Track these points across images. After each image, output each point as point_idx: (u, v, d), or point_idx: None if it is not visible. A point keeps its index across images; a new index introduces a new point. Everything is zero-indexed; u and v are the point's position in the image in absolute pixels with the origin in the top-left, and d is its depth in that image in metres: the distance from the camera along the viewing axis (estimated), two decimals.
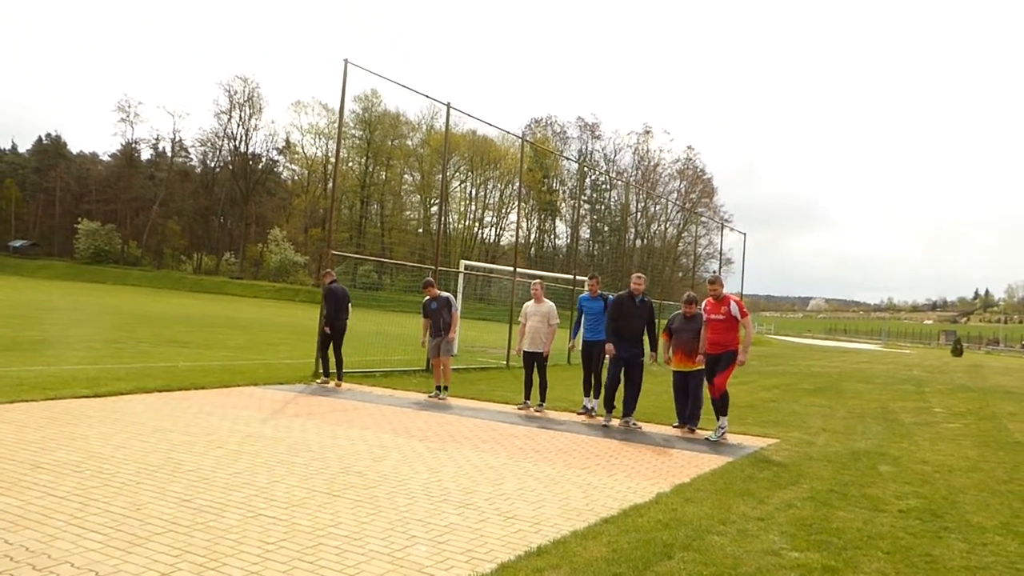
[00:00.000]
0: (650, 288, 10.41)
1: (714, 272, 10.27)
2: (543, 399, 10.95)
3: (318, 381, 12.40)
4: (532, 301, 11.00)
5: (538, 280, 11.14)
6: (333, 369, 12.38)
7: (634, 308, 9.90)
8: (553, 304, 11.02)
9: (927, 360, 41.79)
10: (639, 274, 10.20)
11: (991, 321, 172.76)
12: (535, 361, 10.90)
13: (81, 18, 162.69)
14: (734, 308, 8.72)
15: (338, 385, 12.20)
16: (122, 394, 9.75)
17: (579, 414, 10.60)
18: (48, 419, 7.78)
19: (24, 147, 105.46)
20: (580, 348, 11.11)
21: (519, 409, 10.83)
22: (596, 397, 10.67)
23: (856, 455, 8.57)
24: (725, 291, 9.22)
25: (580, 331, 11.06)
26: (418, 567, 4.20)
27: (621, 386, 9.91)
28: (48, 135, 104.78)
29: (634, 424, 9.80)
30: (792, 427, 10.67)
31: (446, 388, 11.53)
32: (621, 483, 6.59)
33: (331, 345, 12.33)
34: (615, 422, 9.96)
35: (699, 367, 9.33)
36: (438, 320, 11.56)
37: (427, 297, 11.70)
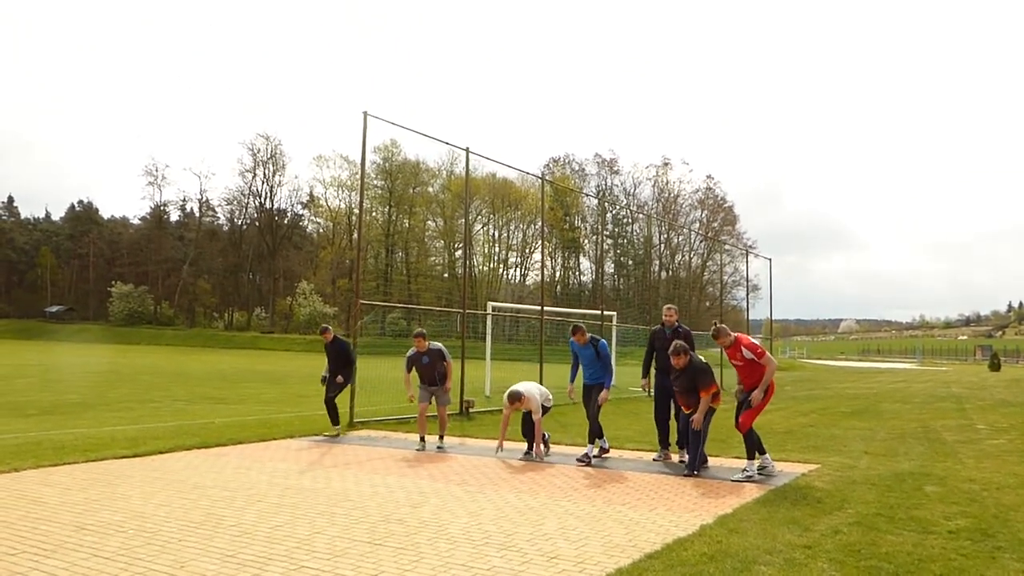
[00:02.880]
0: (679, 319, 10.24)
1: (714, 325, 9.99)
2: (542, 445, 10.17)
3: (328, 433, 11.94)
4: (506, 403, 10.07)
5: (518, 395, 10.02)
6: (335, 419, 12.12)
7: (666, 341, 9.74)
8: (542, 392, 10.15)
9: (965, 376, 41.00)
10: (669, 305, 10.17)
11: None
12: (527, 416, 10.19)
13: (106, 88, 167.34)
14: (746, 352, 8.54)
15: (340, 432, 11.97)
16: (161, 452, 9.85)
17: (580, 462, 9.46)
18: (90, 480, 7.88)
19: (57, 215, 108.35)
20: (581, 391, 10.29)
21: (523, 458, 9.99)
22: (591, 442, 9.82)
23: (900, 477, 8.42)
24: (737, 332, 8.77)
25: (578, 374, 10.27)
26: None
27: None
28: (80, 202, 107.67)
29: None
30: (832, 451, 10.51)
31: (442, 438, 10.98)
32: (663, 517, 6.53)
33: (336, 394, 12.11)
34: (675, 457, 9.70)
35: (689, 411, 8.88)
36: (432, 373, 10.89)
37: (414, 350, 10.85)
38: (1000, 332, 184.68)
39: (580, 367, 10.20)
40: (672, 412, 9.92)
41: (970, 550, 5.42)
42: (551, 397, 10.44)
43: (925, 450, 10.69)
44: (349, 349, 12.37)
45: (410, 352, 10.98)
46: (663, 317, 10.12)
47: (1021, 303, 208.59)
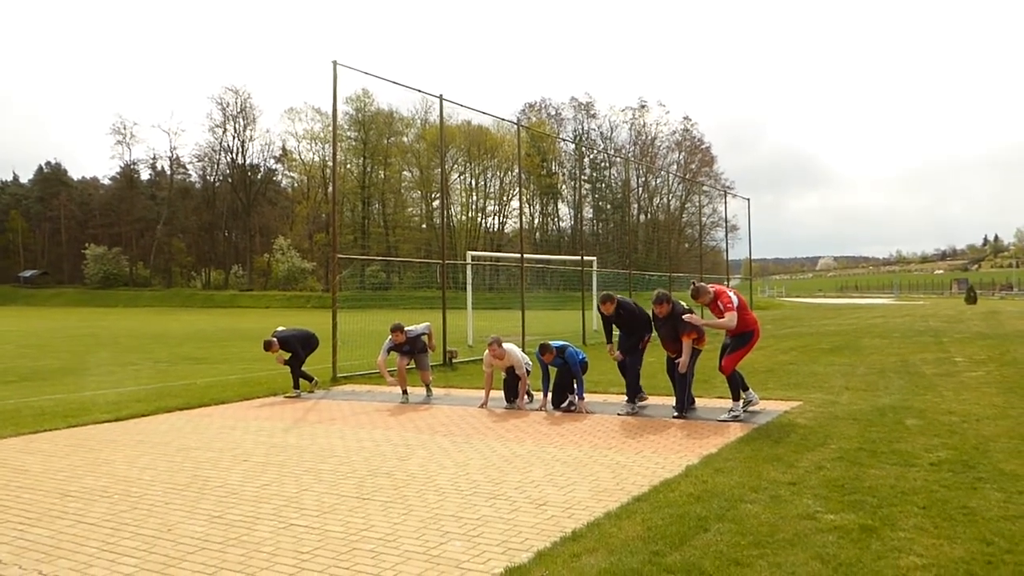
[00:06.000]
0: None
1: (692, 284, 9.82)
2: (526, 396, 10.11)
3: (290, 395, 11.63)
4: (488, 355, 9.90)
5: (499, 341, 9.91)
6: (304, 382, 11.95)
7: (617, 318, 9.45)
8: (516, 352, 9.94)
9: (942, 310, 41.56)
10: (605, 295, 9.57)
11: (1002, 266, 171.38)
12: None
13: (69, 45, 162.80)
14: (721, 307, 8.61)
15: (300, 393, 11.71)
16: (144, 415, 9.78)
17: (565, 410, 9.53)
18: (73, 446, 7.81)
19: (25, 177, 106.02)
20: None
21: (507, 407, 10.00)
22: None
23: (881, 411, 8.52)
24: (714, 286, 8.90)
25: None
26: (455, 563, 4.18)
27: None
28: (48, 163, 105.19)
29: (638, 406, 9.34)
30: (814, 388, 10.62)
31: (428, 387, 11.18)
32: (649, 460, 6.57)
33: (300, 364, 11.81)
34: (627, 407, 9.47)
35: (674, 356, 8.92)
36: (413, 352, 10.98)
37: (392, 341, 10.74)
38: (976, 265, 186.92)
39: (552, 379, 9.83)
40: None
41: (952, 481, 5.49)
42: (530, 364, 10.23)
43: (905, 384, 10.83)
44: (297, 339, 11.80)
45: (387, 343, 10.82)
46: (601, 310, 9.53)
47: (996, 236, 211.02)
